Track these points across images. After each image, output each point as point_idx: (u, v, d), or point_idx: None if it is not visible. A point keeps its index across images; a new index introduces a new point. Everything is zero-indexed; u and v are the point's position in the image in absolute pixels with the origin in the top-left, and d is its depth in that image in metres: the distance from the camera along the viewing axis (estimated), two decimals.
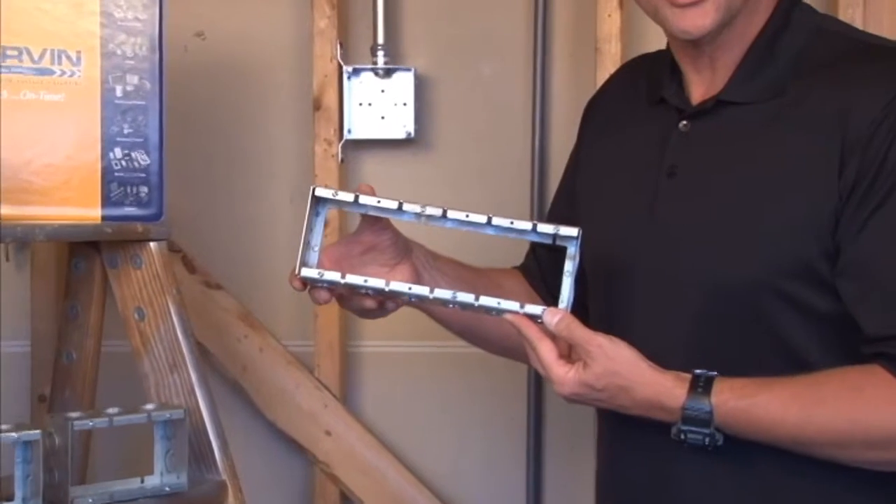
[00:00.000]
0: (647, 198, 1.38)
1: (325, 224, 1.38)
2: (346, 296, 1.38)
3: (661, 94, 1.41)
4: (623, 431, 1.39)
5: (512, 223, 1.33)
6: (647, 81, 1.46)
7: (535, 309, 1.31)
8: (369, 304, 1.37)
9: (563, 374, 1.30)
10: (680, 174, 1.36)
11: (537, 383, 2.09)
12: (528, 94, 2.09)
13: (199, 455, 1.50)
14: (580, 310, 1.36)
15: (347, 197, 1.34)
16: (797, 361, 1.29)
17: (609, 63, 1.94)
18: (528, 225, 1.33)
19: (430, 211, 1.33)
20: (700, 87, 1.39)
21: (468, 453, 2.15)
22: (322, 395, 2.08)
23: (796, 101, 1.31)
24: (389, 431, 2.14)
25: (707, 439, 1.27)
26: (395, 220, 1.38)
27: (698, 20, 1.31)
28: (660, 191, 1.37)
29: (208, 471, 1.50)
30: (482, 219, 1.33)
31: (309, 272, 1.33)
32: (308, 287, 1.36)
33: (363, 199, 1.33)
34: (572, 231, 1.32)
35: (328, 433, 2.09)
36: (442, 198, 2.06)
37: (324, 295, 1.36)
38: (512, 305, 1.31)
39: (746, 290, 1.30)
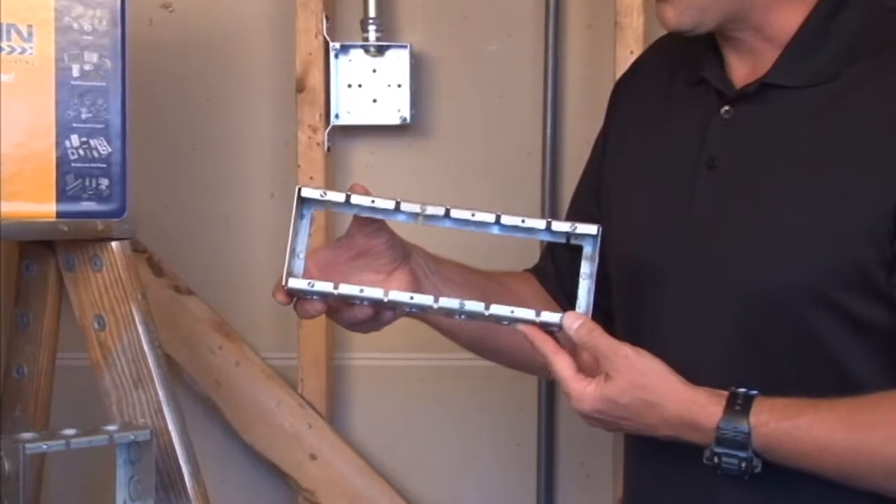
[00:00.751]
0: (683, 193, 1.38)
1: (311, 222, 1.37)
2: (337, 307, 1.37)
3: (702, 74, 1.41)
4: (652, 457, 1.39)
5: (523, 221, 1.32)
6: (686, 59, 1.45)
7: (552, 316, 1.31)
8: (364, 314, 1.36)
9: (581, 389, 1.29)
10: (721, 167, 1.36)
11: (549, 400, 2.09)
12: (538, 75, 2.08)
13: (167, 481, 1.49)
14: (604, 320, 1.36)
15: (338, 197, 1.33)
16: (848, 381, 1.29)
17: (631, 39, 1.94)
18: (541, 223, 1.33)
19: (430, 210, 1.33)
20: (743, 67, 1.38)
21: (471, 479, 2.15)
22: (306, 414, 2.08)
23: (852, 87, 1.31)
24: (382, 454, 2.14)
25: (744, 464, 1.26)
26: (392, 221, 1.37)
27: (672, 17, 1.33)
28: (698, 185, 1.37)
29: (178, 499, 1.50)
30: (490, 217, 1.32)
31: (297, 283, 1.33)
32: (294, 300, 1.35)
33: (355, 200, 1.33)
34: (591, 228, 1.32)
35: (313, 457, 2.09)
36: (441, 191, 2.07)
37: (316, 307, 1.35)
38: (526, 314, 1.31)
39: (794, 299, 1.29)
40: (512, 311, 1.31)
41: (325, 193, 1.34)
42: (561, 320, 1.30)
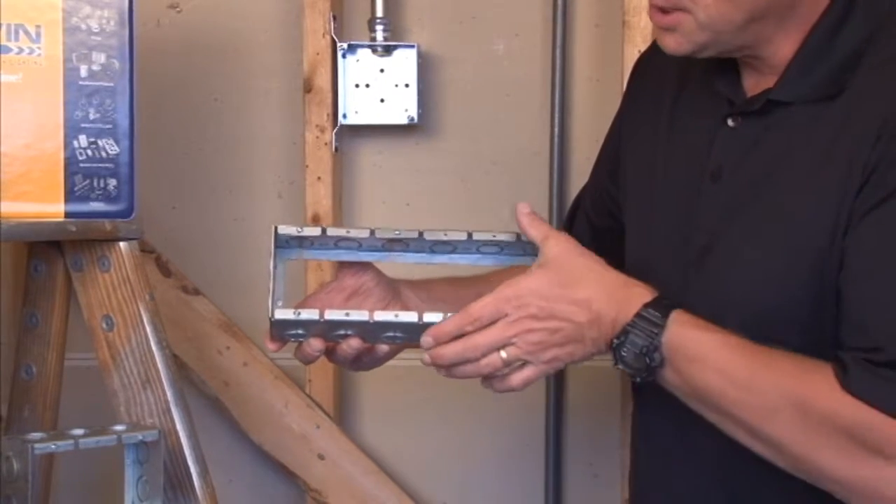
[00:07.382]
0: (689, 202, 1.38)
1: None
2: (333, 347, 1.40)
3: (713, 79, 1.39)
4: (660, 462, 1.39)
5: (445, 234, 1.37)
6: (701, 60, 1.41)
7: (433, 316, 1.33)
8: (351, 348, 1.38)
9: (517, 282, 1.31)
10: (725, 178, 1.36)
11: (557, 400, 2.09)
12: (546, 74, 2.09)
13: (175, 482, 1.50)
14: None
15: (313, 231, 1.39)
16: None
17: (639, 38, 1.95)
18: (462, 234, 1.38)
19: (400, 235, 1.37)
20: (754, 76, 1.37)
21: (479, 480, 2.15)
22: (314, 415, 2.09)
23: (846, 105, 1.29)
24: (390, 455, 2.14)
25: (644, 349, 1.28)
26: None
27: (672, 45, 1.33)
28: (703, 196, 1.37)
29: (186, 499, 1.50)
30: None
31: (283, 314, 1.35)
32: (289, 343, 1.38)
33: (331, 232, 1.38)
34: (509, 236, 1.38)
35: (321, 457, 2.09)
36: (448, 191, 2.07)
37: (314, 346, 1.37)
38: (410, 316, 1.34)
39: (783, 317, 1.30)
40: (396, 316, 1.34)
41: (302, 229, 1.38)
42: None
